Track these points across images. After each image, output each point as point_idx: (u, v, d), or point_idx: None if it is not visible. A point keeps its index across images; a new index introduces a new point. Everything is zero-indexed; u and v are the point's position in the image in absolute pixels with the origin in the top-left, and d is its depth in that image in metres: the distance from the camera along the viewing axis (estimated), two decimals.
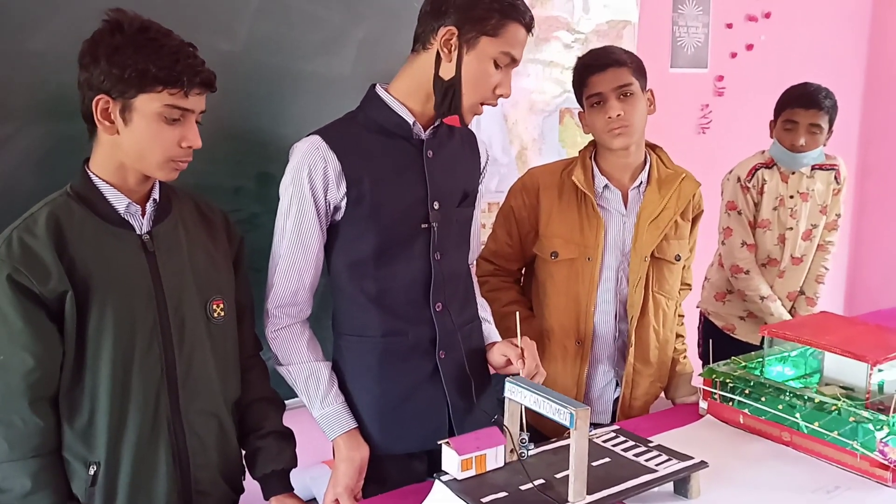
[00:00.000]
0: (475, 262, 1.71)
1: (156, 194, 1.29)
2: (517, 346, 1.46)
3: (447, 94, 1.36)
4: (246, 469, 1.43)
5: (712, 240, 2.56)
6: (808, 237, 2.38)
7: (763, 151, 2.39)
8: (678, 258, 1.80)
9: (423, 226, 1.42)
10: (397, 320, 1.43)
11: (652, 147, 1.81)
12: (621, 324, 1.79)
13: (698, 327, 2.61)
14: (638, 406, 1.83)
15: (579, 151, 1.81)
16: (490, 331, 1.61)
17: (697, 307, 2.62)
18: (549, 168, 1.82)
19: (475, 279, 1.68)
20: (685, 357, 1.94)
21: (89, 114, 1.19)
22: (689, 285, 1.95)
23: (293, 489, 1.39)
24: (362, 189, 1.38)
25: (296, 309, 1.44)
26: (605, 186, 1.75)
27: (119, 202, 1.24)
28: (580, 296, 1.75)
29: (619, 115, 1.63)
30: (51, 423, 1.19)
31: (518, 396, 1.33)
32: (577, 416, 1.20)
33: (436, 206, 1.43)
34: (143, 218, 1.26)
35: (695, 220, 1.85)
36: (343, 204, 1.39)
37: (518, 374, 1.45)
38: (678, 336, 1.93)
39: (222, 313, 1.34)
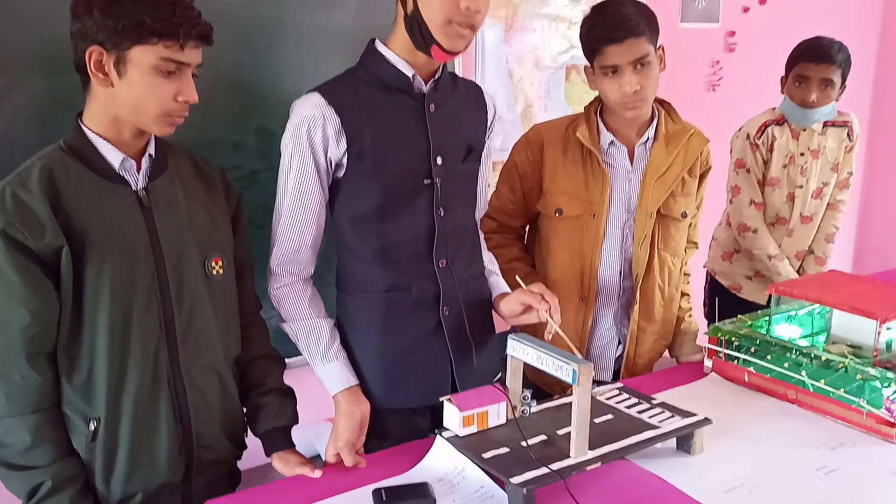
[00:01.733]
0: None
1: (151, 150, 1.27)
2: (535, 293, 1.44)
3: (414, 28, 1.33)
4: (248, 426, 1.43)
5: (720, 199, 2.52)
6: (819, 195, 2.34)
7: (773, 108, 2.34)
8: (684, 215, 1.77)
9: (425, 181, 1.39)
10: (401, 275, 1.41)
11: (660, 102, 1.77)
12: (625, 281, 1.77)
13: (704, 287, 2.59)
14: (641, 364, 1.82)
15: (584, 107, 1.77)
16: (499, 282, 1.59)
17: (704, 267, 2.59)
18: (553, 124, 1.78)
19: (481, 235, 1.65)
20: (690, 315, 1.92)
21: (82, 65, 1.16)
22: (695, 243, 1.92)
23: (294, 446, 1.39)
24: (363, 145, 1.35)
25: (298, 267, 1.43)
26: (611, 143, 1.72)
27: (114, 157, 1.21)
28: (584, 252, 1.73)
29: (635, 91, 1.58)
30: (49, 379, 1.19)
31: (520, 353, 1.32)
32: (580, 373, 1.19)
33: (439, 162, 1.40)
34: (138, 173, 1.24)
35: (702, 177, 1.82)
36: (344, 161, 1.37)
37: (530, 325, 1.45)
38: (683, 294, 1.92)
39: (221, 271, 1.33)
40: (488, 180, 1.65)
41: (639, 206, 1.71)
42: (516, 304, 1.46)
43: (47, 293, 1.16)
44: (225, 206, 1.37)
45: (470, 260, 1.51)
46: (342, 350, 1.42)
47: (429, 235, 1.41)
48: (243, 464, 1.46)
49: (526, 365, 1.33)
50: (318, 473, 1.29)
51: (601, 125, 1.72)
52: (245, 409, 1.42)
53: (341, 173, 1.38)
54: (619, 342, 1.81)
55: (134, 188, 1.24)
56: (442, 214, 1.41)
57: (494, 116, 1.56)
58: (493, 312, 1.59)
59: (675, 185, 1.73)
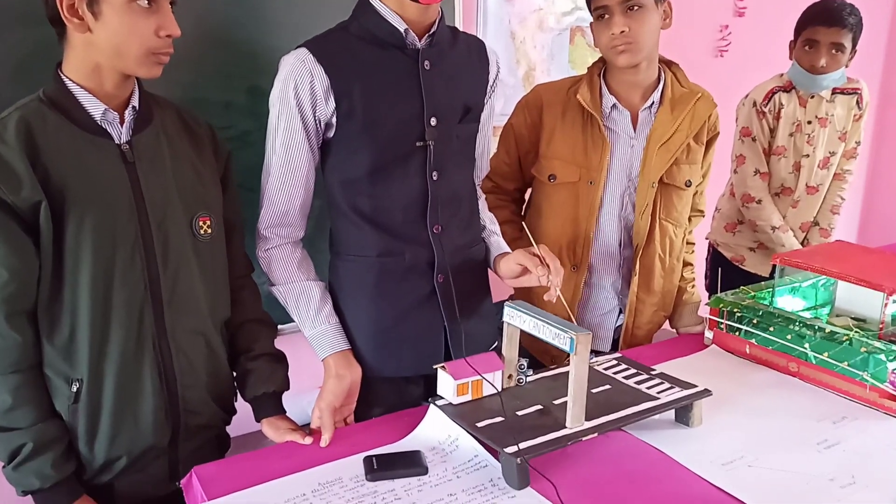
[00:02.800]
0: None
1: (135, 101, 1.21)
2: (535, 255, 1.39)
3: None
4: (238, 391, 1.40)
5: (725, 169, 2.47)
6: (826, 165, 2.29)
7: (781, 75, 2.27)
8: (688, 184, 1.72)
9: (418, 143, 1.34)
10: (394, 240, 1.37)
11: (667, 64, 1.70)
12: (626, 250, 1.72)
13: (706, 258, 2.55)
14: (641, 335, 1.79)
15: (588, 68, 1.71)
16: (499, 242, 1.55)
17: (707, 238, 2.55)
18: (555, 85, 1.72)
19: (481, 197, 1.61)
20: (693, 286, 1.88)
21: (56, 15, 1.11)
22: (701, 212, 1.87)
23: (285, 412, 1.36)
24: (353, 104, 1.30)
25: (287, 230, 1.39)
26: (614, 106, 1.66)
27: (95, 108, 1.16)
28: (580, 220, 1.68)
29: (622, 32, 1.52)
30: (29, 338, 1.15)
31: (517, 321, 1.28)
32: (578, 341, 1.15)
33: (433, 123, 1.35)
34: (121, 126, 1.19)
35: (709, 144, 1.76)
36: (334, 120, 1.32)
37: (532, 287, 1.41)
38: (686, 264, 1.87)
39: (209, 231, 1.29)
40: (489, 145, 1.59)
41: (641, 175, 1.66)
42: (514, 265, 1.41)
43: (26, 250, 1.12)
44: (213, 163, 1.32)
45: (466, 226, 1.46)
46: (333, 314, 1.39)
47: (422, 200, 1.37)
48: (235, 430, 1.44)
49: (521, 332, 1.30)
50: (308, 440, 1.26)
51: (604, 87, 1.66)
52: (235, 374, 1.39)
53: (331, 134, 1.34)
54: (620, 312, 1.77)
55: (117, 141, 1.19)
56: (435, 178, 1.36)
57: (498, 74, 1.50)
58: (490, 281, 1.55)
59: (680, 153, 1.67)
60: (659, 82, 1.67)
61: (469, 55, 1.44)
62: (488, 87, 1.48)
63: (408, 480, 1.14)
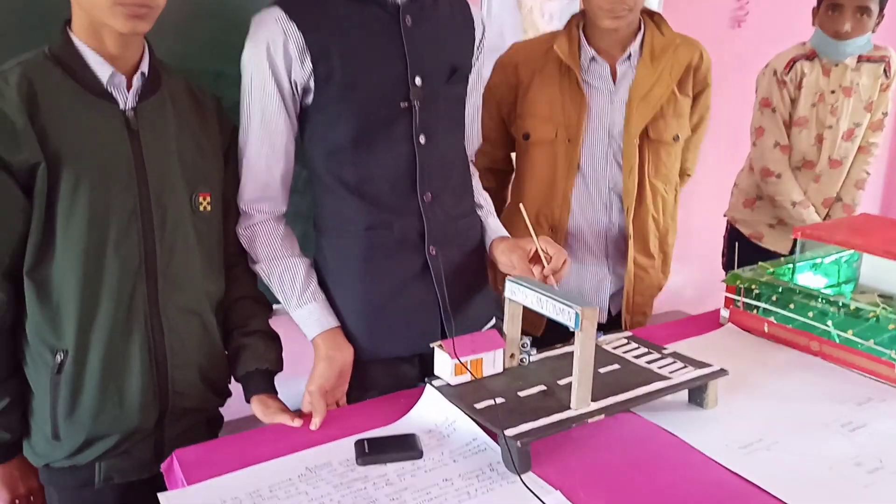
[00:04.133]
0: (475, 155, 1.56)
1: (145, 67, 1.16)
2: (524, 249, 1.31)
3: None
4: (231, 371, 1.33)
5: (744, 144, 2.37)
6: (850, 137, 2.18)
7: (804, 43, 2.16)
8: (676, 139, 1.63)
9: (402, 105, 1.26)
10: (381, 212, 1.29)
11: (649, 14, 1.61)
12: (613, 214, 1.64)
13: (724, 236, 2.46)
14: (642, 301, 1.72)
15: (567, 21, 1.62)
16: (496, 225, 1.46)
17: (724, 216, 2.46)
18: (532, 41, 1.65)
19: (474, 172, 1.53)
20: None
21: None
22: (687, 171, 1.77)
23: (276, 392, 1.29)
24: (331, 65, 1.22)
25: (268, 204, 1.31)
26: (592, 59, 1.58)
27: (103, 71, 1.11)
28: (557, 181, 1.60)
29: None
30: (1, 299, 1.11)
31: (519, 296, 1.21)
32: (584, 316, 1.07)
33: (417, 83, 1.26)
34: (128, 92, 1.14)
35: (697, 97, 1.67)
36: (311, 84, 1.24)
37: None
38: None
39: (209, 207, 1.23)
40: (480, 113, 1.51)
41: (624, 131, 1.57)
42: (505, 260, 1.33)
43: (14, 208, 1.07)
44: (218, 138, 1.27)
45: (459, 195, 1.38)
46: (320, 291, 1.31)
47: (410, 166, 1.28)
48: (232, 414, 1.38)
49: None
50: (298, 422, 1.20)
51: (583, 39, 1.58)
52: (228, 353, 1.33)
53: (310, 99, 1.26)
54: (611, 281, 1.69)
55: (122, 107, 1.13)
56: (423, 142, 1.28)
57: (483, 35, 1.41)
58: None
59: (664, 105, 1.58)
60: (639, 32, 1.58)
61: (452, 13, 1.35)
62: (475, 48, 1.39)
63: (401, 465, 1.08)
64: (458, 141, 1.40)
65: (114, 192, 1.12)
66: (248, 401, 1.27)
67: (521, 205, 1.34)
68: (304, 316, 1.29)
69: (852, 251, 1.74)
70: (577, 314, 1.08)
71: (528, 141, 1.61)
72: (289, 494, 1.01)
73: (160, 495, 1.00)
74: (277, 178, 1.29)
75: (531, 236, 1.31)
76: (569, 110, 1.58)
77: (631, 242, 1.64)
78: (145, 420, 1.20)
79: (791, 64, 2.13)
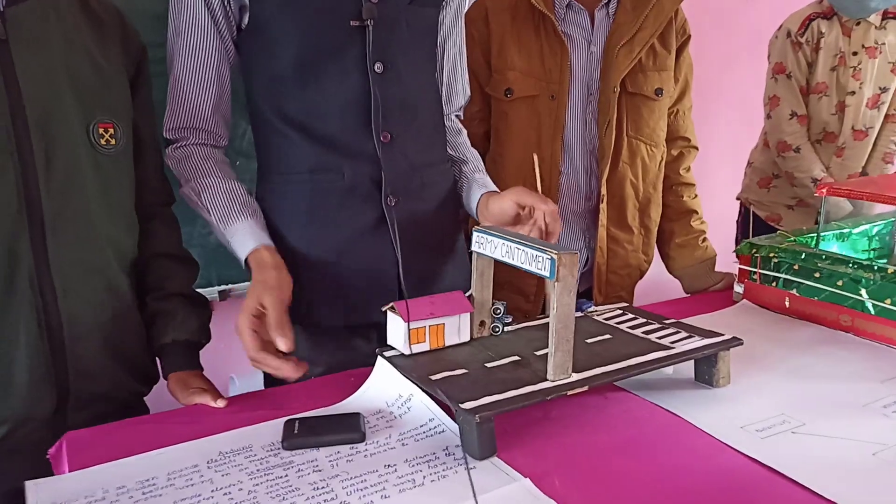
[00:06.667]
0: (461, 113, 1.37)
1: None
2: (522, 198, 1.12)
3: None
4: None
5: (756, 118, 2.17)
6: (875, 104, 1.97)
7: (821, 0, 1.96)
8: (659, 93, 1.46)
9: (352, 23, 1.07)
10: (329, 153, 1.10)
11: None
12: (593, 178, 1.47)
13: (737, 220, 2.25)
14: (617, 282, 1.53)
15: None
16: (483, 180, 1.25)
17: (737, 198, 2.24)
18: None
19: (461, 129, 1.34)
20: (704, 240, 1.59)
21: None
22: (688, 140, 1.57)
23: (201, 368, 1.09)
24: None
25: (202, 134, 1.12)
26: (568, 6, 1.43)
27: None
28: (543, 144, 1.43)
29: None
30: None
31: (487, 248, 1.00)
32: (560, 263, 0.87)
33: None
34: None
35: (679, 50, 1.50)
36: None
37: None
38: (693, 212, 1.58)
39: (113, 141, 1.03)
40: (464, 61, 1.32)
41: (602, 82, 1.41)
42: (510, 204, 1.12)
43: None
44: (121, 59, 1.07)
45: (426, 141, 1.18)
46: (259, 213, 1.11)
47: (363, 100, 1.10)
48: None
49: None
50: (221, 403, 1.00)
51: None
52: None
53: (246, 19, 1.08)
54: (588, 258, 1.50)
55: None
56: (380, 72, 1.09)
57: None
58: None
59: (645, 57, 1.43)
60: None
61: None
62: None
63: (335, 449, 0.87)
64: (427, 78, 1.20)
65: None
66: (165, 377, 1.07)
67: (534, 155, 1.13)
68: (240, 230, 1.07)
69: (884, 222, 1.53)
70: (552, 260, 0.87)
71: (510, 98, 1.42)
72: (189, 483, 0.81)
73: (26, 483, 0.81)
74: (208, 107, 1.11)
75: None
76: (549, 62, 1.42)
77: (603, 206, 1.46)
78: (38, 407, 1.00)
79: (807, 23, 1.93)
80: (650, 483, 0.80)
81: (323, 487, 0.79)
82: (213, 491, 0.79)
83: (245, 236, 1.06)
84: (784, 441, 0.89)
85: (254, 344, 0.96)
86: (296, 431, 0.89)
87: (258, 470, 0.83)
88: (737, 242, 2.24)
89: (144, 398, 1.14)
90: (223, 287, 1.86)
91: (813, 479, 0.80)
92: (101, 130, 1.02)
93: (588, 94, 1.43)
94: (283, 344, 0.96)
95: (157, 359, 1.13)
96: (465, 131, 1.35)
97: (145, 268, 1.12)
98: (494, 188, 1.24)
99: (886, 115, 1.99)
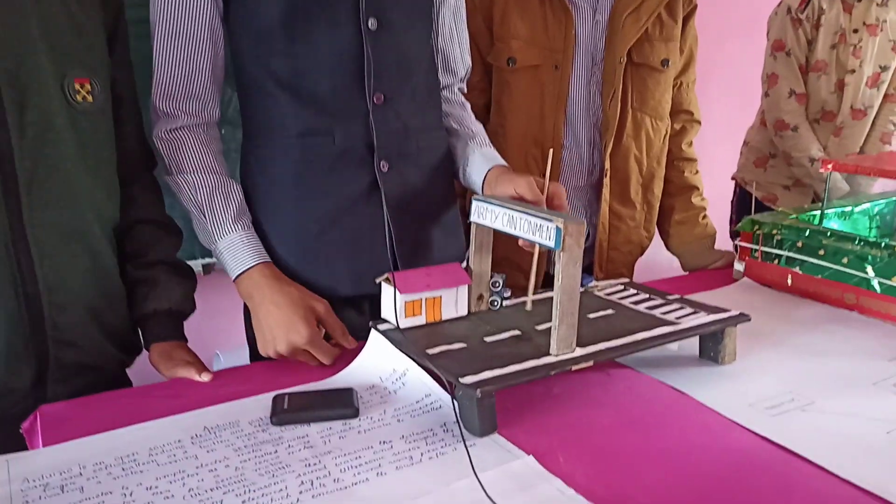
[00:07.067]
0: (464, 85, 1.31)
1: None
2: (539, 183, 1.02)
3: None
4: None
5: (753, 96, 2.13)
6: (875, 83, 1.94)
7: None
8: (665, 63, 1.41)
9: None
10: (320, 114, 1.04)
11: None
12: (596, 152, 1.42)
13: (732, 200, 2.21)
14: (618, 258, 1.49)
15: None
16: (492, 154, 1.17)
17: (732, 178, 2.21)
18: None
19: (464, 102, 1.29)
20: (704, 217, 1.55)
21: None
22: (690, 112, 1.53)
23: (185, 339, 1.04)
24: None
25: (196, 104, 1.05)
26: None
27: None
28: (546, 116, 1.38)
29: None
30: None
31: (487, 218, 0.96)
32: (567, 232, 0.83)
33: None
34: None
35: (686, 20, 1.45)
36: None
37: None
38: (694, 189, 1.54)
39: (90, 98, 0.97)
40: (464, 29, 1.26)
41: (607, 51, 1.36)
42: (508, 186, 1.03)
43: None
44: (99, 12, 1.00)
45: (422, 104, 1.12)
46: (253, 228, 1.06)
47: (356, 58, 1.03)
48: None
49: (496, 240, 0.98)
50: (206, 377, 0.95)
51: None
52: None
53: None
54: (589, 233, 1.46)
55: None
56: (373, 28, 1.03)
57: None
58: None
59: (651, 26, 1.38)
60: None
61: None
62: None
63: (327, 425, 0.83)
64: (421, 37, 1.14)
65: None
66: (146, 348, 1.02)
67: (550, 150, 1.06)
68: (236, 243, 1.01)
69: (885, 201, 1.50)
70: (557, 229, 0.83)
71: (513, 68, 1.37)
72: (173, 459, 0.76)
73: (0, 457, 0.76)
74: (206, 69, 1.03)
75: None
76: (553, 31, 1.37)
77: (607, 181, 1.41)
78: (16, 377, 0.95)
79: (807, 0, 1.89)
80: (659, 461, 0.77)
81: (315, 464, 0.74)
82: (197, 467, 0.74)
83: (244, 251, 1.01)
84: (794, 419, 0.85)
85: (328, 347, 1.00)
86: (285, 406, 0.85)
87: (245, 446, 0.78)
88: (731, 223, 2.21)
89: (127, 371, 1.09)
90: (207, 261, 1.81)
91: (827, 458, 0.77)
92: (77, 86, 0.96)
93: (592, 64, 1.38)
94: (349, 344, 1.01)
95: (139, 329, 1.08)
96: (468, 105, 1.30)
97: (126, 235, 1.06)
98: (503, 162, 1.16)
99: (886, 95, 1.96)
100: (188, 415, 0.85)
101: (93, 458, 0.76)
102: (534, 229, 0.87)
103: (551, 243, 0.84)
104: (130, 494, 0.70)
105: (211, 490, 0.70)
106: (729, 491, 0.72)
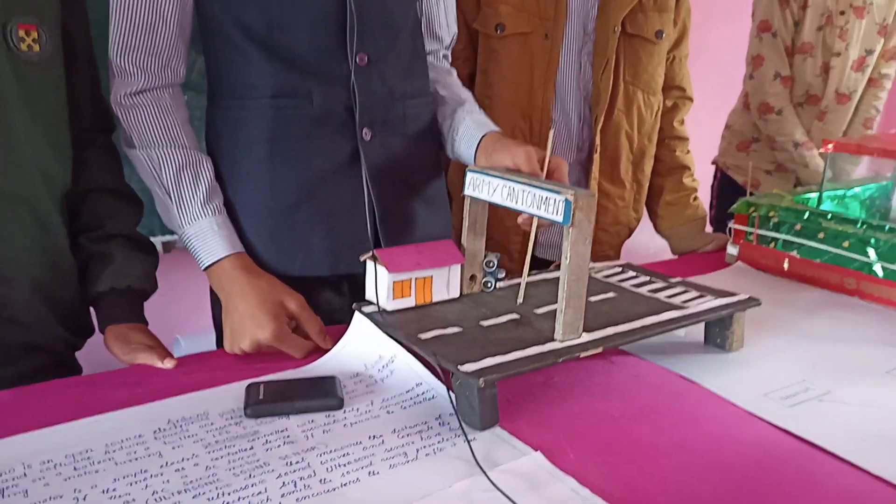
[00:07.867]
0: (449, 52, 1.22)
1: None
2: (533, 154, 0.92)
3: None
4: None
5: (735, 80, 2.08)
6: (860, 67, 1.90)
7: None
8: (660, 35, 1.35)
9: None
10: (296, 74, 0.94)
11: None
12: (586, 127, 1.36)
13: (712, 185, 2.16)
14: (605, 239, 1.44)
15: None
16: (482, 119, 1.07)
17: (713, 163, 2.16)
18: None
19: (450, 69, 1.20)
20: (696, 198, 1.50)
21: None
22: (684, 90, 1.47)
23: (145, 321, 0.94)
24: None
25: (158, 62, 0.93)
26: None
27: None
28: (535, 86, 1.31)
29: None
30: None
31: (484, 191, 0.88)
32: (577, 206, 0.75)
33: None
34: None
35: None
36: None
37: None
38: (685, 168, 1.49)
39: (36, 47, 0.86)
40: None
41: (599, 20, 1.30)
42: (508, 163, 0.92)
43: None
44: None
45: (408, 67, 1.03)
46: (224, 210, 0.95)
47: (338, 13, 0.93)
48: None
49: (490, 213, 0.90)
50: (169, 364, 0.85)
51: None
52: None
53: None
54: None
55: None
56: None
57: None
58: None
59: None
60: None
61: None
62: None
63: (309, 417, 0.74)
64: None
65: None
66: (101, 330, 0.92)
67: (551, 132, 0.98)
68: (205, 230, 0.91)
69: (877, 185, 1.46)
70: (566, 202, 0.75)
71: (501, 35, 1.29)
72: (132, 457, 0.67)
73: None
74: (172, 25, 0.92)
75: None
76: (544, 0, 1.28)
77: (596, 157, 1.35)
78: None
79: None
80: (675, 455, 0.70)
81: (297, 462, 0.66)
82: (162, 466, 0.65)
83: (215, 239, 0.91)
84: (812, 410, 0.80)
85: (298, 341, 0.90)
86: (261, 397, 0.76)
87: (217, 441, 0.69)
88: (710, 208, 2.16)
89: (76, 355, 0.98)
90: (167, 238, 1.69)
91: (851, 451, 0.71)
92: (21, 33, 0.85)
93: (584, 34, 1.31)
94: (325, 343, 0.90)
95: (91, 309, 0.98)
96: (454, 71, 1.21)
97: (80, 203, 0.95)
98: (496, 128, 1.06)
99: (869, 80, 1.93)
100: (150, 406, 0.76)
101: (39, 455, 0.66)
102: (538, 203, 0.79)
103: (559, 218, 0.76)
104: (84, 498, 0.61)
105: (178, 493, 0.61)
106: (752, 488, 0.66)
